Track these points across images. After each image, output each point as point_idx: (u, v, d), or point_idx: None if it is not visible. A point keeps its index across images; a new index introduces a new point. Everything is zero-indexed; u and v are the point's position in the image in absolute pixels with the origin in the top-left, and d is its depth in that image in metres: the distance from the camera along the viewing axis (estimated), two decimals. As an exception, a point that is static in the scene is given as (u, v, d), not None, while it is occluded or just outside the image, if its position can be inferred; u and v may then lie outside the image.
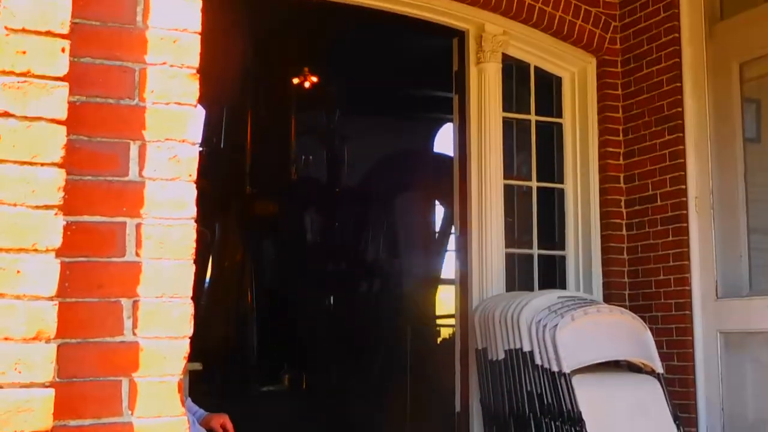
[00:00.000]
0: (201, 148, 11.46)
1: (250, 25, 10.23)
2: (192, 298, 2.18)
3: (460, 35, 6.54)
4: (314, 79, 11.66)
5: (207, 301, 11.20)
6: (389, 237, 13.41)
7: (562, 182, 6.72)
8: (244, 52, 10.28)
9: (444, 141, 15.10)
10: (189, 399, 3.92)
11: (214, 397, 7.61)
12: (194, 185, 2.22)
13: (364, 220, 13.23)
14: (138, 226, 2.16)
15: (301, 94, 11.98)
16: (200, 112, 11.46)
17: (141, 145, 2.19)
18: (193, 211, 2.20)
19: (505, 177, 6.42)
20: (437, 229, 14.33)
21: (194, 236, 2.19)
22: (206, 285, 11.48)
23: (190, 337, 2.16)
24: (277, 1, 8.94)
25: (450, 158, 6.81)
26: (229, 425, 3.92)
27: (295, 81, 11.73)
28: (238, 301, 11.46)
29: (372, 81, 11.72)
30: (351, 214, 13.12)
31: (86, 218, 2.13)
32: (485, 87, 6.36)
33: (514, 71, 6.64)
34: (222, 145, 12.02)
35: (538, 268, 6.52)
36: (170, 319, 2.15)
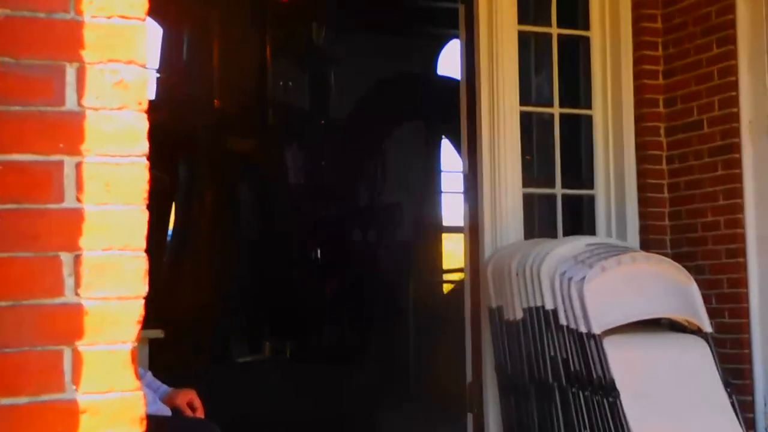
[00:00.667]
0: (158, 74, 11.37)
1: None
2: (146, 251, 2.19)
3: (466, -67, 6.49)
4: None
5: (170, 258, 11.16)
6: (386, 178, 13.28)
7: (589, 108, 6.66)
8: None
9: (449, 62, 15.03)
10: (149, 373, 3.96)
11: (180, 371, 7.46)
12: (145, 115, 2.20)
13: (355, 158, 13.15)
14: (79, 166, 2.14)
15: (277, 6, 11.85)
16: (153, 30, 11.34)
17: (79, 67, 2.16)
18: (144, 146, 2.19)
19: (522, 103, 6.36)
20: (442, 167, 14.30)
21: (147, 176, 2.18)
22: (168, 239, 11.43)
23: (144, 297, 2.16)
24: None
25: (456, 82, 6.76)
26: (197, 402, 3.94)
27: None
28: (207, 257, 11.38)
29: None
30: (340, 151, 13.06)
31: (16, 157, 2.11)
32: (497, -6, 6.34)
33: (531, -25, 6.60)
34: (184, 71, 11.92)
35: (562, 210, 6.51)
36: (120, 276, 2.15)
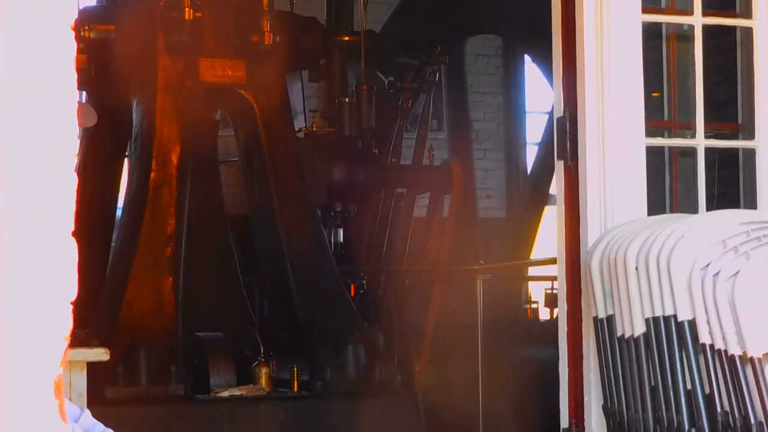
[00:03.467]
0: None
1: None
2: (76, 235, 1.76)
3: None
4: None
5: (122, 242, 9.52)
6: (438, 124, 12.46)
7: (748, 16, 5.94)
8: None
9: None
10: (86, 412, 3.62)
11: (134, 407, 7.58)
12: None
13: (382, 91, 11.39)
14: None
15: None
16: None
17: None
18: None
19: (645, 7, 5.79)
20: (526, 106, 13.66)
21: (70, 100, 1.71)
22: (119, 214, 9.98)
23: (73, 303, 1.77)
24: None
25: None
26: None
27: None
28: (176, 241, 9.44)
29: None
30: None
31: None
32: None
33: None
34: None
35: (705, 170, 5.96)
36: (32, 269, 1.79)
